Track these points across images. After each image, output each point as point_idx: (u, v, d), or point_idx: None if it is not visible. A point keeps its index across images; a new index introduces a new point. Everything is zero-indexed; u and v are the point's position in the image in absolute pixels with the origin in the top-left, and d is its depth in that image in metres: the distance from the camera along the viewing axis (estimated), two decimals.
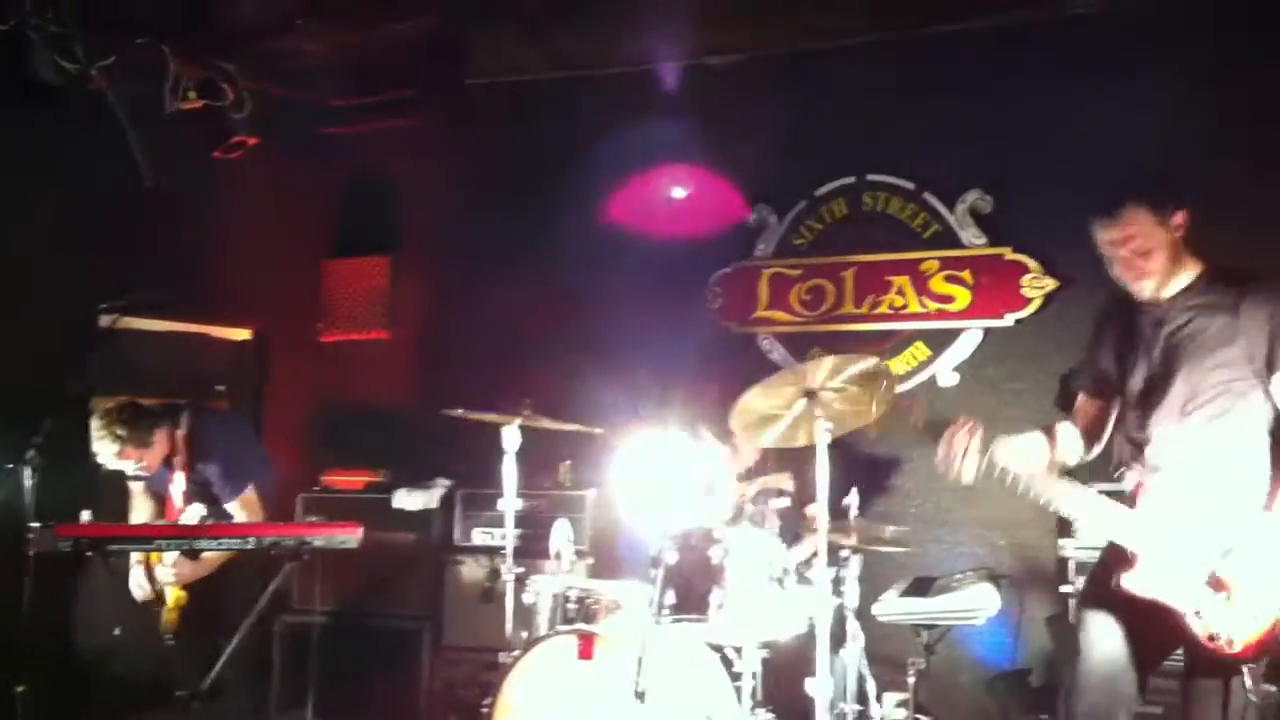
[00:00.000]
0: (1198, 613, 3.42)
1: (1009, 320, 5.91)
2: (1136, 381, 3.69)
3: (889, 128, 6.11)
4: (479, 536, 6.18)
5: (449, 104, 6.94)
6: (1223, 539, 3.43)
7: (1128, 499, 3.59)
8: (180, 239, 6.33)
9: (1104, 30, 5.57)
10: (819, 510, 4.18)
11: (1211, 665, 3.45)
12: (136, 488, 5.61)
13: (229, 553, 4.89)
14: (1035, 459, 3.84)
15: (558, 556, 4.93)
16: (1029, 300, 5.86)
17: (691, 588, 4.32)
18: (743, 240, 6.52)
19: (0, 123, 5.36)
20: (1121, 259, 3.62)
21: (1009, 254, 5.93)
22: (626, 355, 6.28)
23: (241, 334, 7.16)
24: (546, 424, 4.93)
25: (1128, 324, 3.76)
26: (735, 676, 4.33)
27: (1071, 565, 5.10)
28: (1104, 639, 3.61)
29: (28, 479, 4.25)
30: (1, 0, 5.06)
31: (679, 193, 6.34)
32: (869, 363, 4.09)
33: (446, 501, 6.29)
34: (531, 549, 5.40)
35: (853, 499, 4.65)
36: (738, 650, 4.37)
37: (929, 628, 4.97)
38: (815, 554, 4.31)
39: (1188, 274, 3.64)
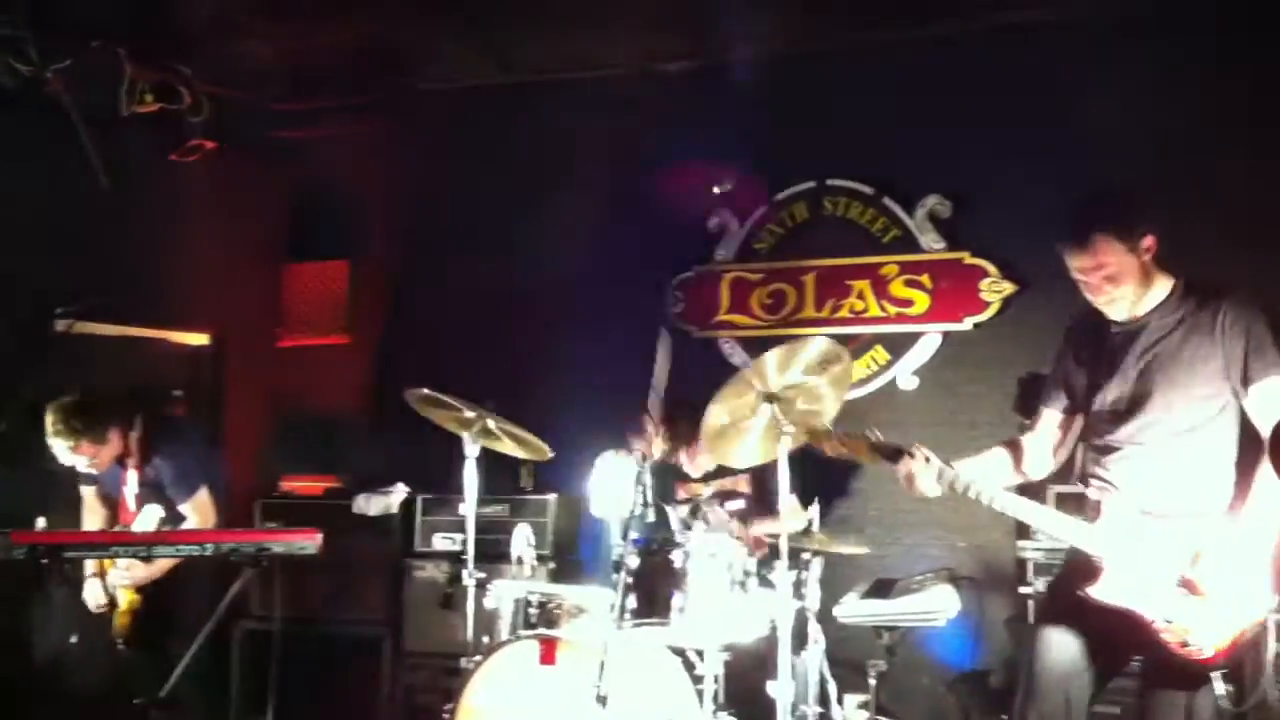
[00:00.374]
0: (1169, 620, 3.43)
1: (968, 324, 5.95)
2: (1108, 396, 3.67)
3: (849, 132, 6.13)
4: (440, 542, 6.14)
5: (405, 108, 6.92)
6: (1191, 546, 3.45)
7: (1092, 508, 3.61)
8: (137, 243, 6.28)
9: (1061, 37, 5.62)
10: (783, 511, 4.20)
11: (1182, 673, 3.46)
12: (88, 493, 5.56)
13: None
14: (998, 477, 3.87)
15: (519, 561, 4.92)
16: (988, 304, 5.90)
17: (653, 591, 4.32)
18: (703, 244, 6.52)
19: None
20: (1091, 285, 3.61)
21: (968, 258, 5.97)
22: (586, 359, 6.27)
23: (199, 339, 7.09)
24: (507, 428, 4.91)
25: (1098, 339, 3.75)
26: (697, 679, 4.34)
27: (1030, 566, 5.14)
28: (1061, 650, 3.61)
29: None
30: None
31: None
32: (818, 345, 4.12)
33: (407, 507, 6.25)
34: (493, 554, 5.38)
35: (814, 512, 4.68)
36: (699, 653, 4.37)
37: (890, 629, 5.00)
38: (774, 552, 4.33)
39: (1160, 289, 3.64)
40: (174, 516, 5.33)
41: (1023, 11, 5.71)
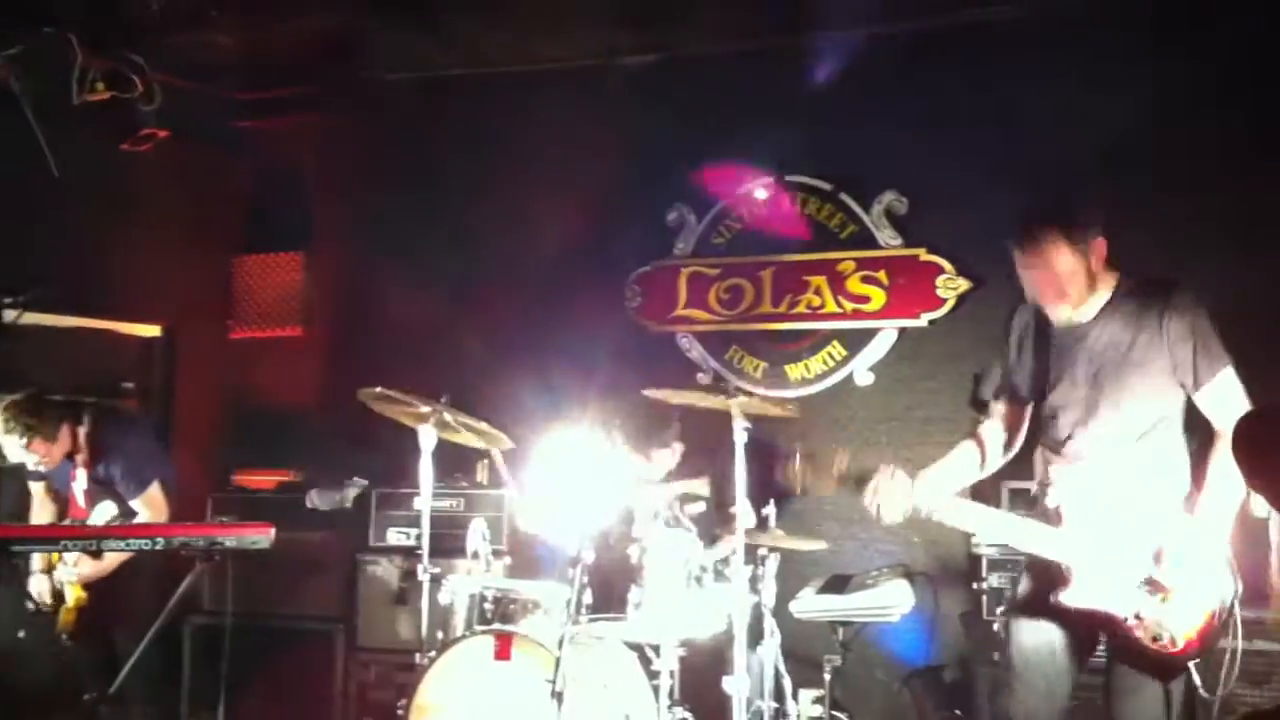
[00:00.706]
0: (1139, 616, 3.44)
1: (924, 320, 5.98)
2: (1059, 396, 3.68)
3: (806, 129, 6.13)
4: (394, 536, 6.10)
5: (359, 98, 6.86)
6: (1152, 544, 3.47)
7: (1053, 515, 3.61)
8: (87, 233, 6.20)
9: (1016, 36, 5.65)
10: (739, 508, 4.21)
11: (1155, 667, 3.48)
12: (37, 489, 5.49)
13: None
14: (964, 476, 3.89)
15: (475, 556, 4.89)
16: (943, 301, 5.93)
17: (610, 587, 4.32)
18: (661, 239, 6.52)
19: None
20: (1038, 285, 3.61)
21: (924, 255, 5.99)
22: (543, 353, 6.25)
23: (150, 330, 7.02)
24: (463, 420, 4.88)
25: (1042, 335, 3.75)
26: (653, 675, 4.34)
27: (984, 562, 5.17)
28: (1039, 649, 3.63)
29: None
30: None
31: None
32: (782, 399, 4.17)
33: (361, 501, 6.20)
34: (448, 549, 5.35)
35: (771, 510, 4.69)
36: (655, 649, 4.37)
37: (845, 624, 5.02)
38: (733, 553, 4.34)
39: (1105, 289, 3.64)
40: (125, 513, 5.27)
41: (979, 10, 5.73)
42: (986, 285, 5.81)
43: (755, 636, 4.44)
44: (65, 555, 5.15)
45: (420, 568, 4.84)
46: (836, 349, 6.16)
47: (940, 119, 5.83)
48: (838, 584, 5.16)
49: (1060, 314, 3.64)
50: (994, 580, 4.98)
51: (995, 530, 3.74)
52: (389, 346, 6.66)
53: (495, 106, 6.66)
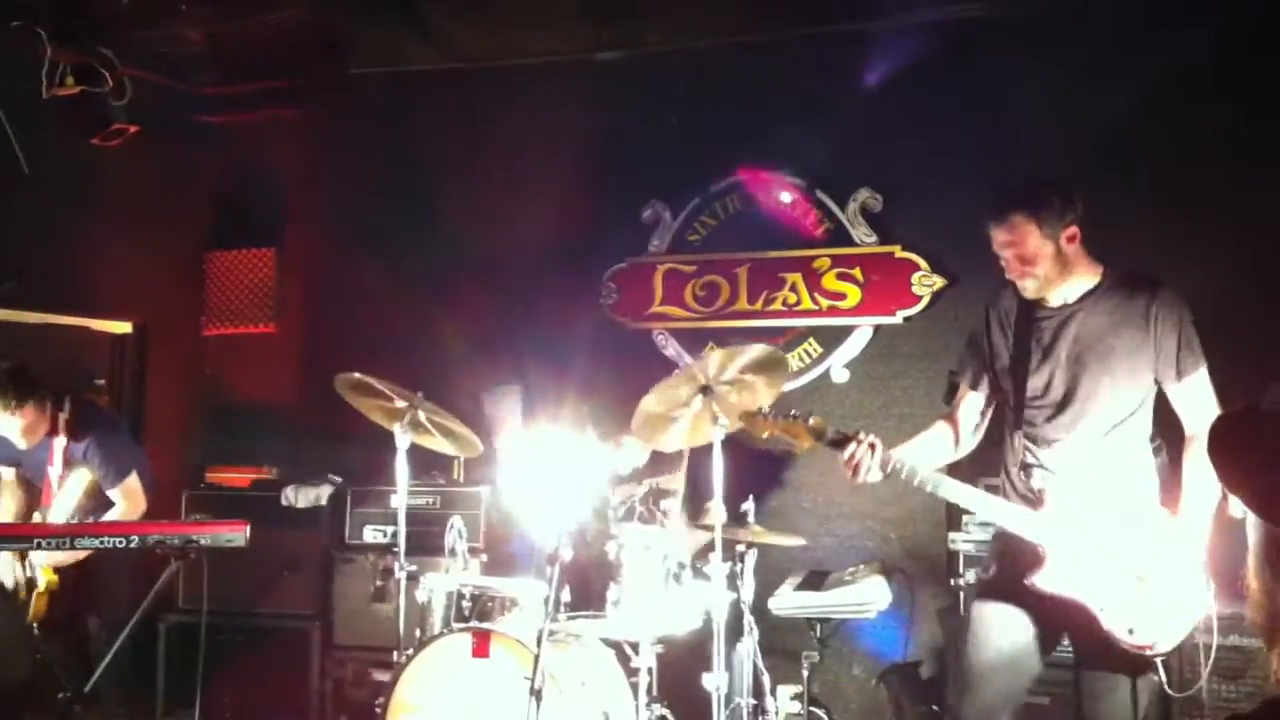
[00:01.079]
0: (1113, 606, 3.46)
1: (899, 317, 5.99)
2: (1039, 382, 3.72)
3: (782, 126, 6.14)
4: (370, 534, 6.08)
5: (332, 93, 6.82)
6: (1132, 536, 3.50)
7: (1035, 498, 3.64)
8: (57, 229, 6.14)
9: (993, 33, 5.67)
10: (715, 505, 4.21)
11: (1124, 661, 3.51)
12: (8, 474, 5.44)
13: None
14: (939, 457, 3.91)
15: (451, 554, 4.88)
16: (919, 298, 5.95)
17: (588, 584, 4.31)
18: (637, 236, 6.51)
19: None
20: (1007, 260, 3.68)
21: (899, 252, 6.00)
22: (518, 350, 6.23)
23: (121, 327, 6.95)
24: (438, 419, 4.85)
25: (1026, 321, 3.78)
26: (632, 672, 4.33)
27: (961, 558, 5.17)
28: (998, 635, 3.66)
29: None
30: None
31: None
32: (759, 351, 4.14)
33: (336, 499, 6.17)
34: (425, 546, 5.33)
35: (749, 506, 4.69)
36: (634, 646, 4.37)
37: (823, 621, 5.03)
38: (709, 548, 4.34)
39: (1089, 279, 3.70)
40: (102, 503, 5.24)
41: (954, 7, 5.75)
42: (962, 282, 5.83)
43: (734, 633, 4.43)
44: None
45: (397, 565, 4.82)
46: (812, 346, 6.17)
47: (915, 116, 5.84)
48: (815, 580, 5.17)
49: (1024, 290, 3.71)
50: (971, 576, 4.99)
51: (975, 504, 3.73)
52: (363, 343, 6.61)
53: (469, 101, 6.64)
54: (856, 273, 6.08)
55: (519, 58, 6.43)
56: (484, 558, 5.72)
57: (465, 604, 4.65)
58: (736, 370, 4.20)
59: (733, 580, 4.50)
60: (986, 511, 3.72)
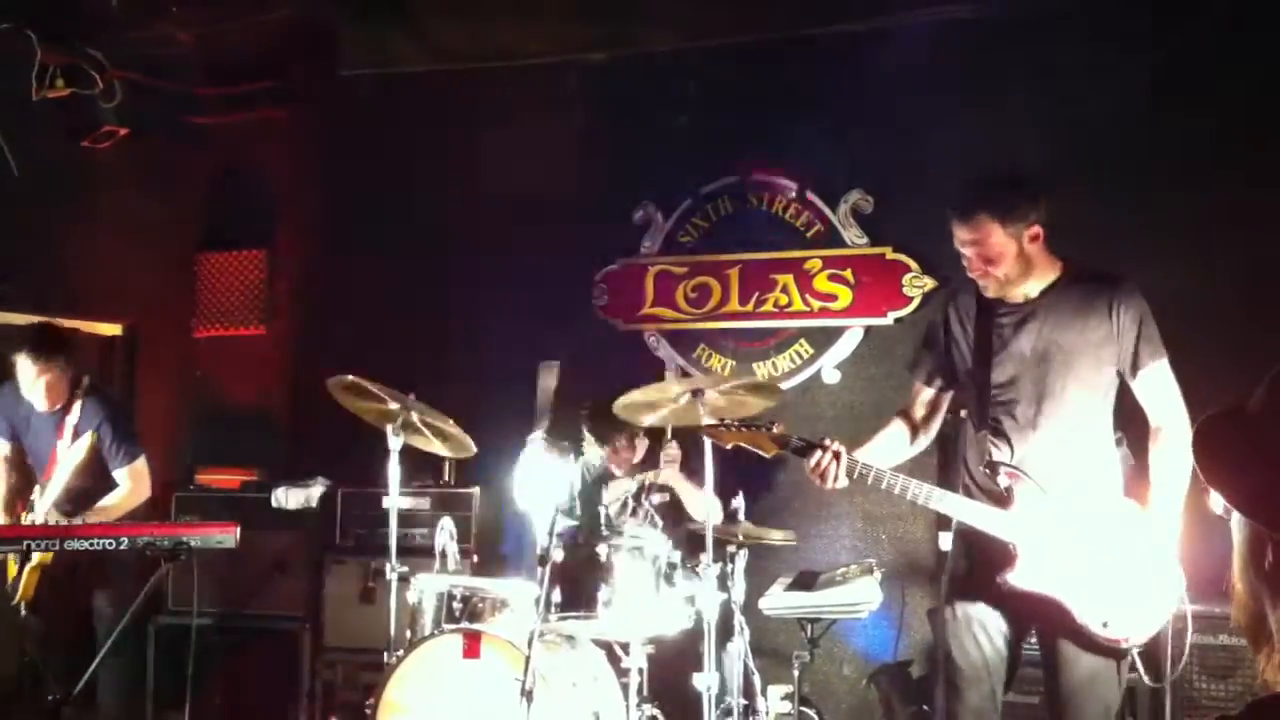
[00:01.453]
0: (1087, 600, 3.47)
1: (890, 319, 6.00)
2: (1002, 374, 3.70)
3: (773, 127, 6.15)
4: (361, 536, 6.07)
5: (323, 94, 6.82)
6: (1102, 529, 3.52)
7: (1002, 496, 3.63)
8: (47, 231, 6.14)
9: (981, 34, 5.68)
10: (707, 504, 4.22)
11: (1097, 648, 3.53)
12: (4, 449, 5.38)
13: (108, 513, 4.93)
14: (900, 453, 3.93)
15: (442, 555, 4.88)
16: (910, 300, 5.96)
17: (579, 585, 4.31)
18: (628, 237, 6.51)
19: None
20: (969, 258, 3.68)
21: (890, 253, 6.01)
22: (509, 351, 6.23)
23: (111, 329, 6.94)
24: (430, 420, 4.85)
25: (985, 317, 3.77)
26: (623, 672, 4.33)
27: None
28: (982, 636, 3.66)
29: None
30: None
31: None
32: (756, 380, 4.17)
33: (327, 500, 6.16)
34: (415, 548, 5.33)
35: (739, 503, 4.69)
36: (625, 646, 4.37)
37: (814, 621, 5.03)
38: (700, 544, 4.35)
39: (1049, 274, 3.69)
40: (100, 484, 5.20)
41: (942, 8, 5.75)
42: (952, 284, 5.82)
43: (724, 633, 4.44)
44: (36, 506, 5.08)
45: (388, 566, 4.81)
46: (804, 347, 6.18)
47: (906, 118, 5.85)
48: (806, 581, 5.17)
49: (985, 288, 3.71)
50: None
51: (945, 506, 3.70)
52: (353, 345, 6.60)
53: (459, 103, 6.63)
54: (848, 274, 6.09)
55: (509, 59, 6.42)
56: (475, 559, 5.72)
57: (456, 605, 4.64)
58: (730, 387, 4.23)
59: (723, 580, 4.50)
60: (956, 512, 3.68)
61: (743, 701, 4.64)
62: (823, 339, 6.15)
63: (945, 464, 4.77)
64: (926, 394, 3.98)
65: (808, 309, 6.14)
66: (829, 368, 6.12)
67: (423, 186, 6.61)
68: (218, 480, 6.47)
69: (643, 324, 6.48)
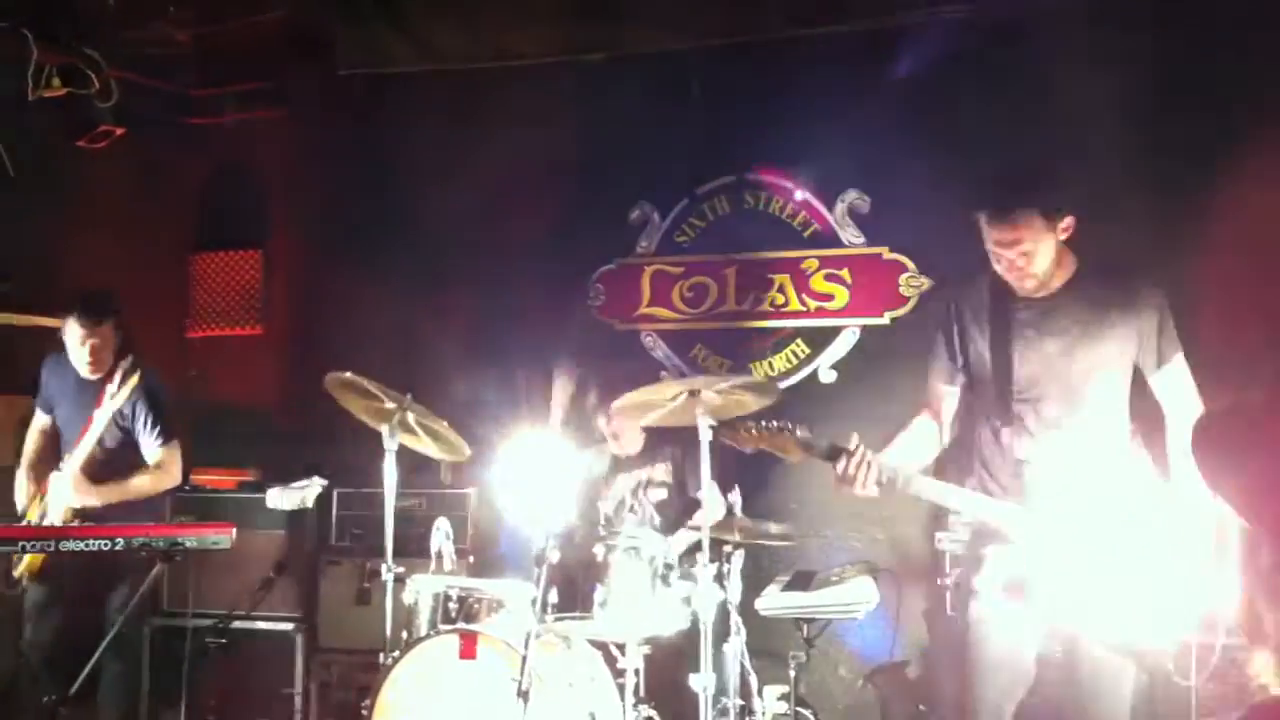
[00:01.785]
0: (1101, 603, 3.46)
1: (887, 319, 6.00)
2: (1023, 375, 3.66)
3: (770, 127, 6.14)
4: (356, 536, 6.05)
5: (319, 94, 6.81)
6: (1126, 527, 3.49)
7: (1024, 494, 3.61)
8: (41, 231, 6.11)
9: (977, 32, 5.67)
10: (704, 504, 4.21)
11: (1124, 652, 3.52)
12: (40, 422, 5.35)
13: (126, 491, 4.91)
14: (926, 453, 3.91)
15: (438, 555, 4.86)
16: (906, 299, 5.96)
17: (575, 585, 4.30)
18: (625, 237, 6.50)
19: None
20: (1007, 259, 3.57)
21: (886, 253, 6.02)
22: (505, 352, 6.22)
23: None
24: (426, 421, 4.84)
25: (1001, 312, 3.71)
26: (619, 673, 4.33)
27: (948, 558, 5.18)
28: (998, 633, 3.65)
29: None
30: None
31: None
32: (754, 380, 4.16)
33: (322, 501, 6.14)
34: (411, 548, 5.31)
35: (736, 498, 4.68)
36: (621, 647, 4.36)
37: (810, 621, 5.03)
38: (697, 546, 4.34)
39: (1069, 269, 3.65)
40: (132, 461, 5.15)
41: (941, 8, 5.75)
42: (948, 284, 5.82)
43: (721, 633, 4.43)
44: (64, 467, 5.01)
45: (384, 567, 4.80)
46: (800, 347, 6.17)
47: (903, 117, 5.84)
48: (802, 581, 5.17)
49: (1024, 289, 3.63)
50: (957, 577, 4.99)
51: (971, 507, 3.68)
52: (349, 345, 6.57)
53: (456, 103, 6.62)
54: (844, 274, 6.09)
55: (504, 59, 6.42)
56: (471, 559, 5.71)
57: (452, 605, 4.63)
58: (727, 387, 4.22)
59: (720, 580, 4.49)
60: (986, 514, 3.65)
61: (739, 702, 4.62)
62: (819, 339, 6.14)
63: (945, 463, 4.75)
64: (949, 391, 3.91)
65: (804, 309, 6.14)
66: (825, 367, 6.12)
67: (418, 187, 6.60)
68: (213, 481, 6.43)
69: (639, 324, 6.47)
